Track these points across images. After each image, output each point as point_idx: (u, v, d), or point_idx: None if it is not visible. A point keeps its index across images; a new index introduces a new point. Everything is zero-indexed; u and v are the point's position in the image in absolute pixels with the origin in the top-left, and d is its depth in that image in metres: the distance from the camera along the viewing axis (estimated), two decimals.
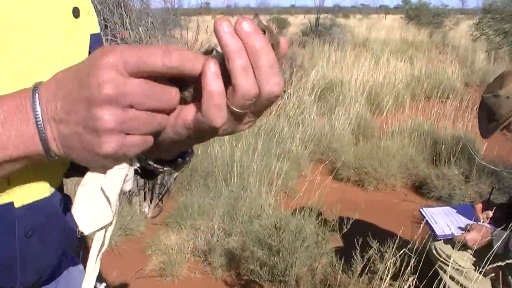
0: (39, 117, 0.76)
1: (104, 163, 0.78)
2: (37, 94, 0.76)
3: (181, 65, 0.72)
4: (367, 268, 4.22)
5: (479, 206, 3.81)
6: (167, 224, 5.72)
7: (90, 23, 1.17)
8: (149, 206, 6.06)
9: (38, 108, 0.76)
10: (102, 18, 7.02)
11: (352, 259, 4.32)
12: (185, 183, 6.46)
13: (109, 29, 7.15)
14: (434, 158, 7.92)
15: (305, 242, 4.36)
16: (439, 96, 11.81)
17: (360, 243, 4.24)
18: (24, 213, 1.01)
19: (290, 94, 10.27)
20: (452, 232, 3.70)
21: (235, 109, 0.75)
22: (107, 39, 6.95)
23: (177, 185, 6.50)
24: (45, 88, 0.77)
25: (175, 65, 0.72)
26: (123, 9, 7.10)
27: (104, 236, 0.88)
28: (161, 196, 6.14)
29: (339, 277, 4.26)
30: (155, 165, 0.97)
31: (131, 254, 5.27)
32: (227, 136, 6.40)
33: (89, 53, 1.13)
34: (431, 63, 16.51)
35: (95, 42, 1.17)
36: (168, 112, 0.79)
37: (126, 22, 7.00)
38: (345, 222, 4.39)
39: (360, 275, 4.20)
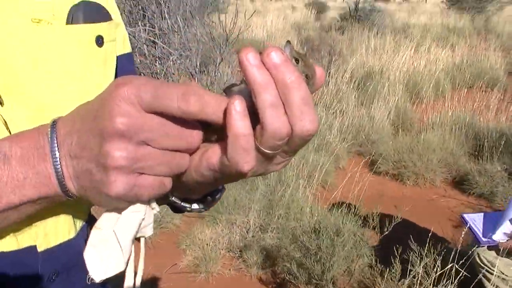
0: (55, 156, 0.72)
1: (116, 204, 0.73)
2: (54, 130, 0.73)
3: (199, 111, 0.67)
4: (407, 271, 4.14)
5: None
6: (202, 217, 5.69)
7: (117, 47, 1.13)
8: None
9: (55, 145, 0.72)
10: (140, 8, 7.00)
11: (391, 261, 4.24)
12: None
13: (147, 18, 7.13)
14: (476, 153, 7.77)
15: (343, 244, 4.30)
16: (481, 86, 11.56)
17: (399, 244, 4.16)
18: (48, 257, 0.97)
19: (328, 82, 10.17)
20: (497, 239, 3.60)
21: (265, 150, 0.70)
22: (145, 29, 6.93)
23: None
24: (63, 123, 0.73)
25: (192, 111, 0.66)
26: None
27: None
28: None
29: (377, 280, 4.19)
30: (182, 204, 0.92)
31: (166, 247, 5.27)
32: None
33: (117, 75, 1.10)
34: (473, 51, 16.19)
35: (126, 62, 1.15)
36: (190, 152, 0.73)
37: (164, 12, 6.96)
38: (386, 224, 4.31)
39: (399, 279, 4.12)
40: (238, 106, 0.66)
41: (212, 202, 0.96)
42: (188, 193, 0.90)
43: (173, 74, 7.06)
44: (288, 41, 0.77)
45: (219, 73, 7.35)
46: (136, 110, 0.66)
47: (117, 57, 1.11)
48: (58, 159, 0.72)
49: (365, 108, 9.42)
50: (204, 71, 7.52)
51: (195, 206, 0.94)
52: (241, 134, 0.67)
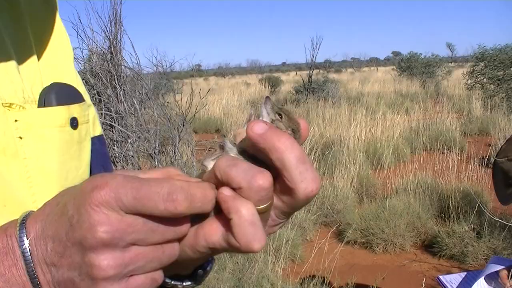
0: (29, 261, 0.65)
1: None
2: (24, 231, 0.66)
3: (187, 209, 0.64)
4: None
5: (504, 274, 3.64)
6: None
7: (90, 128, 1.08)
8: None
9: (27, 249, 0.65)
10: (95, 92, 6.99)
11: None
12: None
13: (103, 102, 7.12)
14: (442, 215, 7.83)
15: None
16: (439, 148, 11.75)
17: None
18: None
19: None
20: None
21: (257, 207, 0.68)
22: (101, 113, 6.90)
23: None
24: (33, 222, 0.66)
25: (180, 211, 0.64)
26: (116, 82, 7.07)
27: None
28: None
29: None
30: (172, 283, 0.85)
31: None
32: None
33: (91, 159, 1.05)
34: (427, 114, 16.57)
35: (98, 145, 1.11)
36: (179, 241, 0.69)
37: (119, 95, 6.97)
38: None
39: None
40: (227, 191, 0.67)
41: (203, 275, 0.90)
42: (178, 269, 0.84)
43: (132, 156, 7.00)
44: (268, 97, 0.77)
45: (178, 153, 7.32)
46: (117, 214, 0.63)
47: (91, 138, 1.08)
48: (32, 265, 0.65)
49: (327, 177, 9.47)
50: (163, 152, 7.50)
51: (187, 283, 0.88)
52: (247, 214, 0.66)
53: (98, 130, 1.14)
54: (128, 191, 0.62)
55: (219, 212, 0.69)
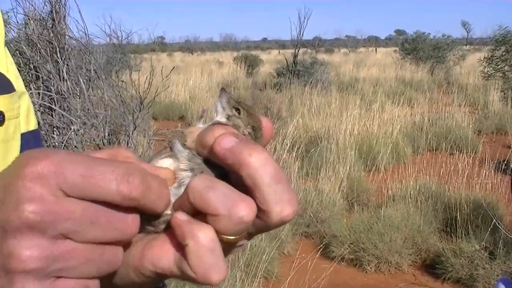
0: None
1: None
2: None
3: (142, 197, 0.63)
4: None
5: None
6: None
7: (21, 123, 1.07)
8: None
9: None
10: (32, 67, 6.92)
11: None
12: None
13: (41, 80, 7.05)
14: (448, 229, 7.84)
15: None
16: (447, 148, 11.79)
17: None
18: None
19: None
20: None
21: (228, 237, 0.67)
22: (38, 93, 6.83)
23: None
24: None
25: (135, 196, 0.62)
26: (58, 55, 7.00)
27: None
28: None
29: None
30: None
31: None
32: None
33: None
34: (434, 107, 16.64)
35: (32, 142, 1.09)
36: (124, 244, 0.67)
37: (62, 71, 6.91)
38: None
39: None
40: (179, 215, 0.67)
41: None
42: None
43: (76, 147, 6.95)
44: (223, 89, 0.78)
45: (132, 144, 7.29)
46: (53, 195, 0.60)
47: (21, 135, 1.07)
48: None
49: (311, 179, 9.49)
50: (114, 142, 7.45)
51: None
52: (207, 240, 0.65)
53: (32, 124, 1.13)
54: (74, 167, 0.61)
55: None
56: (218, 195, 0.65)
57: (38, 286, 0.60)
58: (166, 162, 0.76)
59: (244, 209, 0.65)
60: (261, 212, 0.68)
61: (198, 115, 0.83)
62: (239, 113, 0.76)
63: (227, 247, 0.69)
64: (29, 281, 0.59)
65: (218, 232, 0.66)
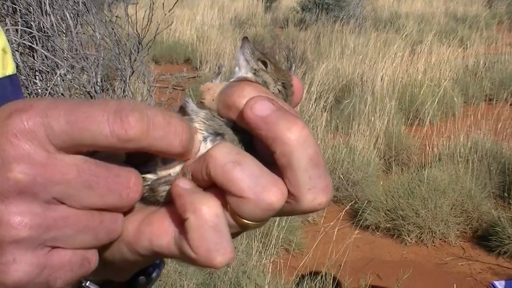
0: None
1: None
2: None
3: (142, 136, 0.64)
4: None
5: None
6: None
7: None
8: None
9: None
10: None
11: None
12: None
13: (19, 14, 7.06)
14: (505, 194, 7.80)
15: None
16: (507, 98, 11.68)
17: None
18: None
19: None
20: None
21: (247, 221, 0.69)
22: (16, 30, 6.86)
23: None
24: None
25: (132, 136, 0.63)
26: None
27: None
28: None
29: None
30: None
31: None
32: None
33: None
34: (493, 48, 16.43)
35: (8, 89, 1.12)
36: (123, 211, 0.71)
37: (45, 4, 6.92)
38: None
39: None
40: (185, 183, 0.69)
41: (147, 284, 0.91)
42: (110, 274, 0.83)
43: (62, 94, 6.97)
44: (246, 37, 0.79)
45: (130, 92, 7.31)
46: (43, 150, 0.62)
47: None
48: None
49: (341, 135, 9.46)
50: (108, 89, 7.44)
51: None
52: (210, 215, 0.66)
53: (10, 68, 1.15)
54: (61, 113, 0.62)
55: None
56: (246, 174, 0.66)
57: (30, 258, 0.63)
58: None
59: (275, 195, 0.66)
60: (290, 196, 0.69)
61: (214, 71, 0.82)
62: (266, 66, 0.76)
63: (239, 230, 0.71)
64: (21, 252, 0.62)
65: (235, 213, 0.68)
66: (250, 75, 0.79)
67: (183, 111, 0.77)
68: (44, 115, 0.61)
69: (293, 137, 0.66)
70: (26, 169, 0.61)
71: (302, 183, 0.68)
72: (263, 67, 0.77)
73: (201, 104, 0.76)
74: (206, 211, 0.65)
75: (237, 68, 0.80)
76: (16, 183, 0.60)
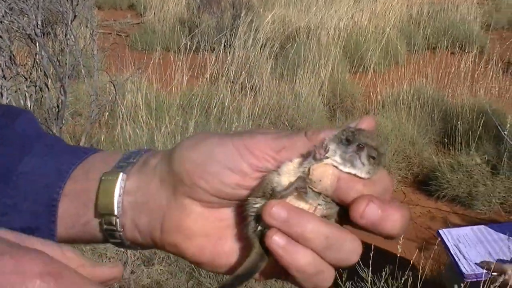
0: None
1: None
2: None
3: None
4: None
5: None
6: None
7: None
8: None
9: None
10: None
11: None
12: None
13: None
14: (446, 140, 7.89)
15: None
16: (449, 46, 11.73)
17: (346, 271, 4.20)
18: None
19: (234, 48, 10.14)
20: (488, 272, 3.49)
21: None
22: None
23: None
24: None
25: None
26: None
27: None
28: None
29: None
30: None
31: None
32: (143, 114, 6.33)
33: None
34: None
35: None
36: None
37: None
38: None
39: None
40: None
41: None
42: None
43: (1, 37, 6.82)
44: (366, 144, 0.86)
45: (72, 36, 7.19)
46: None
47: None
48: None
49: (286, 82, 9.42)
50: (49, 33, 7.32)
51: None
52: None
53: None
54: None
55: None
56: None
57: None
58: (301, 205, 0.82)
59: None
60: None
61: (318, 144, 0.88)
62: (378, 164, 0.83)
63: None
64: None
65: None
66: (364, 175, 0.84)
67: (297, 191, 0.83)
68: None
69: (394, 231, 0.80)
70: None
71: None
72: (376, 166, 0.84)
73: (309, 185, 0.83)
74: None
75: (348, 164, 0.85)
76: None
